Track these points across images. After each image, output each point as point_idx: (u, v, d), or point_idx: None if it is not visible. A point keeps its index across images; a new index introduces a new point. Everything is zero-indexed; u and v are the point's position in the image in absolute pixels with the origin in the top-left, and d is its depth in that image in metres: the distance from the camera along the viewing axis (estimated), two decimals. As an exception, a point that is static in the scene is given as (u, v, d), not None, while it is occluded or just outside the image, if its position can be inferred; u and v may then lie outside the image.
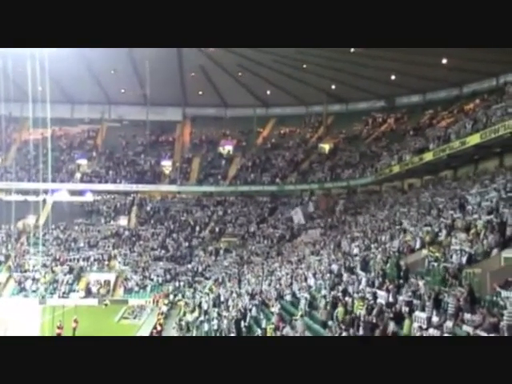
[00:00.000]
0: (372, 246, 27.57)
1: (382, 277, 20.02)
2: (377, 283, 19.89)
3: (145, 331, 32.78)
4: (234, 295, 34.01)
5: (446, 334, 12.65)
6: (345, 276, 23.35)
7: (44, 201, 56.19)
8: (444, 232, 21.87)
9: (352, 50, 44.33)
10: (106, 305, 45.38)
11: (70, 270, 49.48)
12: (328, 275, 24.92)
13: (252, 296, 30.29)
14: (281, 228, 54.24)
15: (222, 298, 35.58)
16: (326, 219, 47.98)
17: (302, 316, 20.43)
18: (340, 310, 17.91)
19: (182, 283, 49.17)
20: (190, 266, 52.08)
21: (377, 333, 14.33)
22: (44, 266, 49.07)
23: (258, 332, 21.02)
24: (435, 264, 18.24)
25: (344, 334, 15.13)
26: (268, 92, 64.37)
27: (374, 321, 15.33)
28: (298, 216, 51.77)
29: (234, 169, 63.93)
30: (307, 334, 17.37)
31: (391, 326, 14.51)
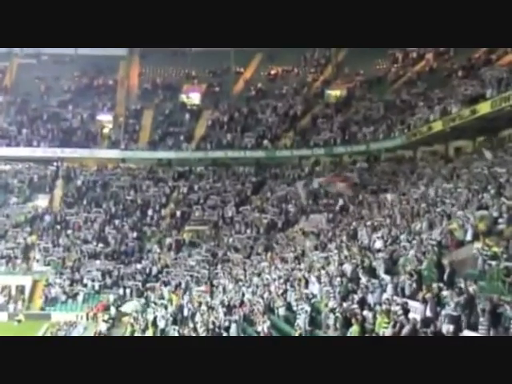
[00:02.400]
0: (402, 237, 27.29)
1: (415, 282, 19.87)
2: (408, 291, 19.86)
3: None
4: (204, 308, 33.77)
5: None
6: (363, 280, 23.09)
7: None
8: (506, 217, 21.85)
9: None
10: (19, 321, 45.34)
11: (-33, 273, 49.74)
12: (338, 279, 24.55)
13: (229, 309, 30.13)
14: (271, 212, 53.74)
15: (186, 312, 35.58)
16: (336, 199, 48.04)
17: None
18: (355, 328, 17.80)
19: (128, 291, 48.99)
20: (139, 265, 51.91)
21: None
22: None
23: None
24: (493, 263, 18.20)
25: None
26: (252, 14, 65.31)
27: (405, 344, 15.98)
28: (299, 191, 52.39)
29: (203, 126, 63.83)
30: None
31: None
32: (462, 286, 17.43)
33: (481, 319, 14.74)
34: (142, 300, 46.21)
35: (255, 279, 35.16)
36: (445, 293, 17.33)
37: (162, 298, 44.22)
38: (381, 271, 23.75)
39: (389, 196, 40.44)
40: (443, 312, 16.34)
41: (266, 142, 59.36)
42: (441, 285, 18.51)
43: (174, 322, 34.81)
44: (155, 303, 43.19)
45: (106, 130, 63.47)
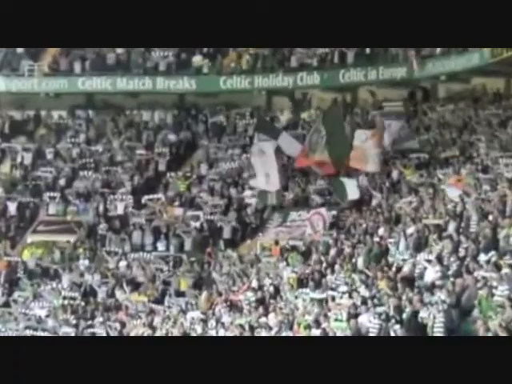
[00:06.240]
0: (482, 259, 25.63)
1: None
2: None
3: None
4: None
5: None
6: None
7: None
8: None
9: None
10: None
11: None
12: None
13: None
14: (208, 205, 43.29)
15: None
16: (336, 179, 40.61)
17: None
18: None
19: None
20: None
21: None
22: None
23: None
24: None
25: None
26: None
27: None
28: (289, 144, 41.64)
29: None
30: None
31: None
32: None
33: None
34: None
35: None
36: None
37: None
38: (438, 329, 22.41)
39: (454, 174, 35.83)
40: None
41: (197, 58, 48.17)
42: None
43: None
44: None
45: None
